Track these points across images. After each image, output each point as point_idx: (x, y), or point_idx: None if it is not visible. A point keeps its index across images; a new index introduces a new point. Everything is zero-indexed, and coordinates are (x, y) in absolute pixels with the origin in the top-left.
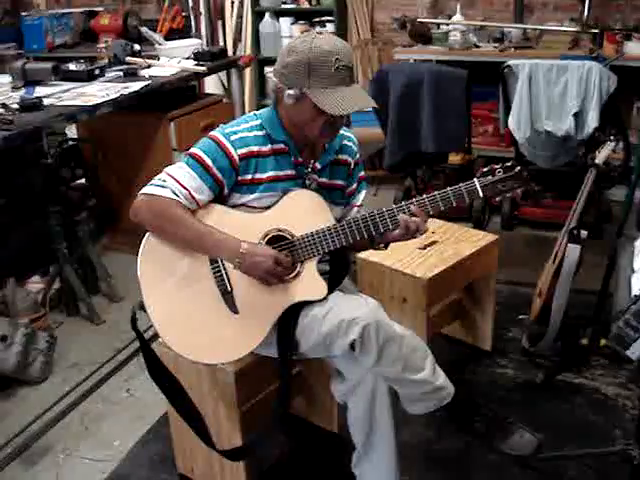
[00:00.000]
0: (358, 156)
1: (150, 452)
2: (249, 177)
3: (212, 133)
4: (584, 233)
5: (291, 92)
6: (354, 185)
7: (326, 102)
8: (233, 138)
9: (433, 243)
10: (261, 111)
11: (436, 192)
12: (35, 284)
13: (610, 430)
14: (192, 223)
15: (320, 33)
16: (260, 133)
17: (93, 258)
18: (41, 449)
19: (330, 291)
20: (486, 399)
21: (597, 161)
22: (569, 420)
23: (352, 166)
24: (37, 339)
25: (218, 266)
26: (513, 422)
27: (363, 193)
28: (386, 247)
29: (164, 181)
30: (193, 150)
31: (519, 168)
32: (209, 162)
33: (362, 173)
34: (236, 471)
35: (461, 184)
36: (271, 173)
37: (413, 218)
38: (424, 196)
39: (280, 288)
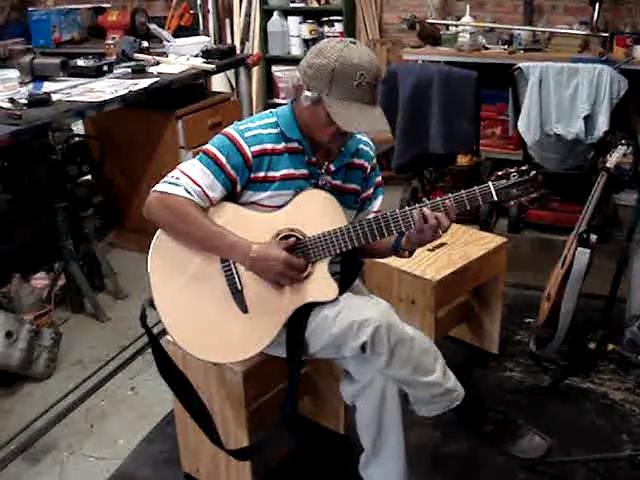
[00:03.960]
0: (375, 161)
1: (155, 451)
2: (262, 175)
3: (226, 130)
4: (594, 237)
5: (308, 94)
6: (370, 190)
7: (339, 114)
8: (247, 135)
9: (442, 245)
10: (278, 109)
11: (450, 195)
12: (40, 280)
13: (617, 436)
14: (204, 223)
15: (354, 43)
16: (274, 131)
17: (98, 255)
18: (45, 446)
19: (341, 292)
20: (492, 402)
21: (608, 165)
22: (576, 425)
23: (368, 170)
24: (42, 336)
25: (229, 264)
26: (523, 425)
27: (380, 199)
28: (410, 254)
29: (177, 179)
30: (207, 147)
31: (534, 172)
32: (223, 159)
33: (378, 178)
34: (242, 471)
35: (475, 187)
36: (284, 171)
37: (434, 213)
38: (437, 198)
39: (291, 288)
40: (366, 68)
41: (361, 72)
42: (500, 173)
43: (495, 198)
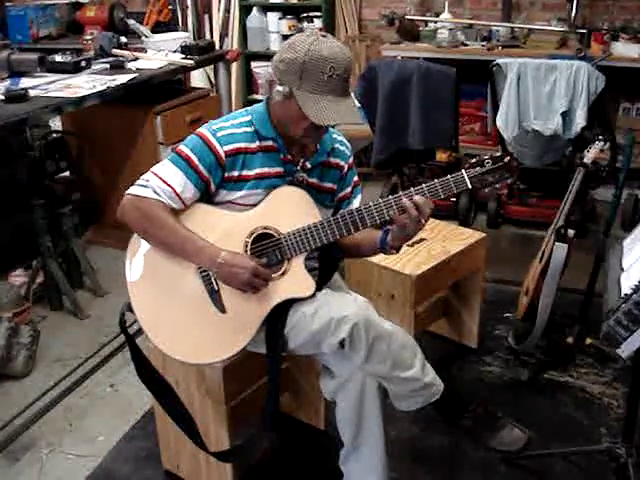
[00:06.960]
0: (351, 160)
1: (135, 448)
2: (236, 174)
3: (199, 130)
4: (571, 232)
5: (280, 89)
6: (348, 189)
7: (310, 108)
8: (219, 134)
9: (421, 240)
10: (253, 106)
11: (424, 184)
12: (18, 278)
13: (595, 428)
14: (174, 227)
15: (325, 36)
16: (249, 129)
17: (77, 252)
18: (24, 444)
19: (319, 288)
20: (472, 396)
21: (586, 160)
22: (554, 418)
23: (345, 170)
24: (20, 333)
25: None
26: (502, 418)
27: (359, 197)
28: (397, 250)
29: (147, 180)
30: (179, 147)
31: (508, 158)
32: (195, 160)
33: (356, 177)
34: (223, 468)
35: (449, 175)
36: (258, 170)
37: (414, 201)
38: (411, 189)
39: (268, 286)
40: (336, 60)
41: (331, 65)
42: (473, 161)
43: (469, 186)
